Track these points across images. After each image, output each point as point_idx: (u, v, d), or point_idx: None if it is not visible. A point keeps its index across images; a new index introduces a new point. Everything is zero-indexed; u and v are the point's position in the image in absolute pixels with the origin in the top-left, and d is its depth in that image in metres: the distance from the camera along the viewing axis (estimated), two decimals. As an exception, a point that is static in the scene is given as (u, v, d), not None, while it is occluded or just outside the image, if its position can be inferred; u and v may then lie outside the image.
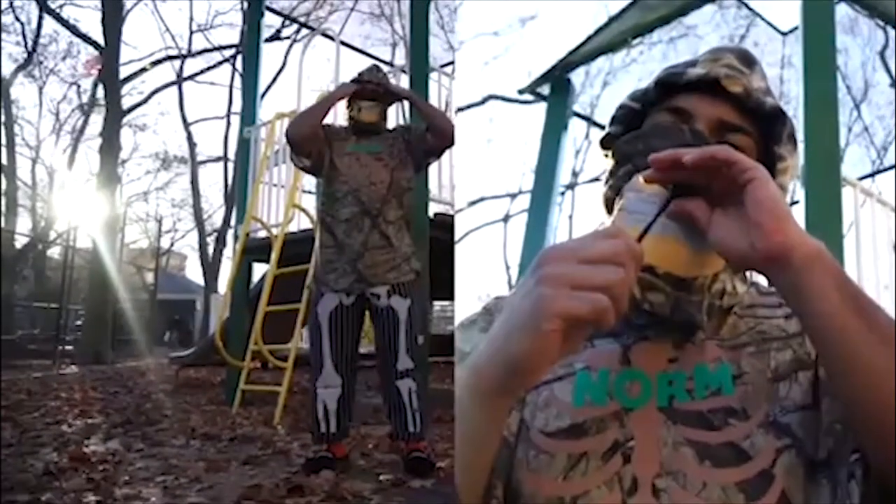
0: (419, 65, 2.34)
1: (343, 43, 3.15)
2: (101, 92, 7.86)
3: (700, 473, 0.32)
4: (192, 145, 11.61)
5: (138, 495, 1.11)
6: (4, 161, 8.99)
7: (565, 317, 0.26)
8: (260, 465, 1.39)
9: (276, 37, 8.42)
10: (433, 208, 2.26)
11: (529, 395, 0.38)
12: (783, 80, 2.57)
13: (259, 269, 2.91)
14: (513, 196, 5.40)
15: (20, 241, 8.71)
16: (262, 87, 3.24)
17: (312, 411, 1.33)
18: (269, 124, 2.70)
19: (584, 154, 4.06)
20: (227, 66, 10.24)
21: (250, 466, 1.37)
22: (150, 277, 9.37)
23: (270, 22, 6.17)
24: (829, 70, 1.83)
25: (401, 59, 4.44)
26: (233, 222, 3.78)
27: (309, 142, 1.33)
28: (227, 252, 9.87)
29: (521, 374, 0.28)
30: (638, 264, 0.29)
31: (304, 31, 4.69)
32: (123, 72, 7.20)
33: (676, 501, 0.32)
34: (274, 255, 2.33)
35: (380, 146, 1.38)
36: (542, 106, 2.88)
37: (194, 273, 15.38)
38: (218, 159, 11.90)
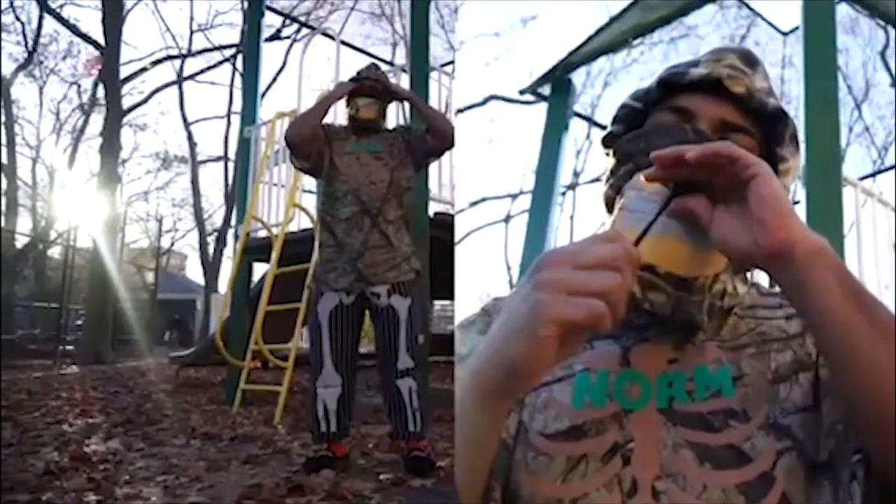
0: (419, 64, 2.34)
1: (343, 42, 3.15)
2: (101, 92, 7.86)
3: (700, 475, 0.32)
4: (192, 145, 11.62)
5: (139, 495, 1.11)
6: (5, 161, 8.99)
7: (562, 322, 0.26)
8: (260, 464, 1.39)
9: (276, 36, 8.42)
10: (433, 208, 2.25)
11: (528, 397, 0.38)
12: (784, 80, 2.57)
13: (259, 269, 2.92)
14: (514, 196, 5.41)
15: (20, 241, 8.72)
16: (262, 87, 3.24)
17: (312, 411, 1.33)
18: (269, 124, 2.70)
19: (586, 154, 4.07)
20: (227, 66, 10.26)
21: (251, 466, 1.37)
22: (150, 277, 9.38)
23: (271, 21, 6.17)
24: (829, 70, 1.82)
25: (401, 58, 4.44)
26: (233, 222, 3.78)
27: (309, 144, 1.34)
28: (228, 252, 9.88)
29: (518, 379, 0.28)
30: (635, 269, 0.29)
31: (305, 31, 4.69)
32: (124, 71, 7.21)
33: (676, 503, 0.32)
34: (274, 255, 2.33)
35: (380, 145, 1.38)
36: (543, 106, 2.88)
37: (195, 273, 15.39)
38: (218, 159, 11.92)
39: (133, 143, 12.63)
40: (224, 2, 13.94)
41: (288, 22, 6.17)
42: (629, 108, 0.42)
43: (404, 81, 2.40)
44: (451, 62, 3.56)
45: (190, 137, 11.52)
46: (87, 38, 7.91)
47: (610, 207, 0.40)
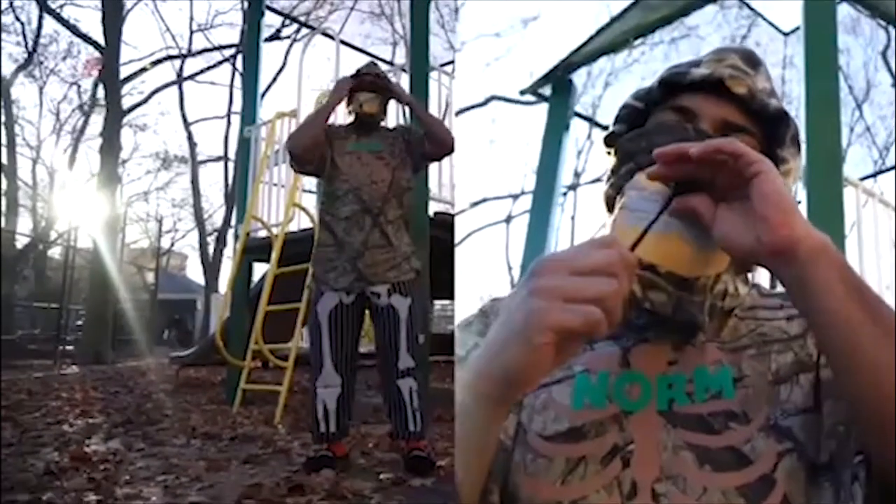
0: (419, 64, 2.34)
1: (343, 42, 3.14)
2: (101, 92, 7.87)
3: (700, 478, 0.32)
4: (192, 145, 11.62)
5: (139, 494, 1.11)
6: (5, 161, 9.00)
7: (558, 330, 0.26)
8: (260, 464, 1.39)
9: (276, 36, 8.42)
10: (433, 207, 2.25)
11: (527, 398, 0.38)
12: (785, 80, 2.56)
13: (259, 269, 2.91)
14: (515, 197, 5.41)
15: (21, 241, 8.72)
16: (262, 87, 3.24)
17: (312, 411, 1.33)
18: (269, 124, 2.70)
19: (587, 155, 4.07)
20: (227, 66, 10.25)
21: (251, 465, 1.37)
22: (150, 277, 9.38)
23: (270, 21, 6.17)
24: (830, 70, 1.82)
25: (401, 58, 4.45)
26: (233, 222, 3.78)
27: (311, 154, 1.34)
28: (228, 252, 9.89)
29: (515, 385, 0.28)
30: (632, 274, 0.28)
31: (305, 31, 4.70)
32: (124, 72, 7.20)
33: None
34: (274, 255, 2.33)
35: (381, 144, 1.38)
36: (544, 107, 2.87)
37: (195, 273, 15.39)
38: (218, 159, 11.92)
39: (133, 143, 12.67)
40: (224, 2, 13.97)
41: (288, 22, 6.18)
42: (631, 108, 0.42)
43: (404, 81, 2.40)
44: (451, 62, 3.56)
45: (190, 137, 11.53)
46: (86, 39, 7.91)
47: (611, 207, 0.40)
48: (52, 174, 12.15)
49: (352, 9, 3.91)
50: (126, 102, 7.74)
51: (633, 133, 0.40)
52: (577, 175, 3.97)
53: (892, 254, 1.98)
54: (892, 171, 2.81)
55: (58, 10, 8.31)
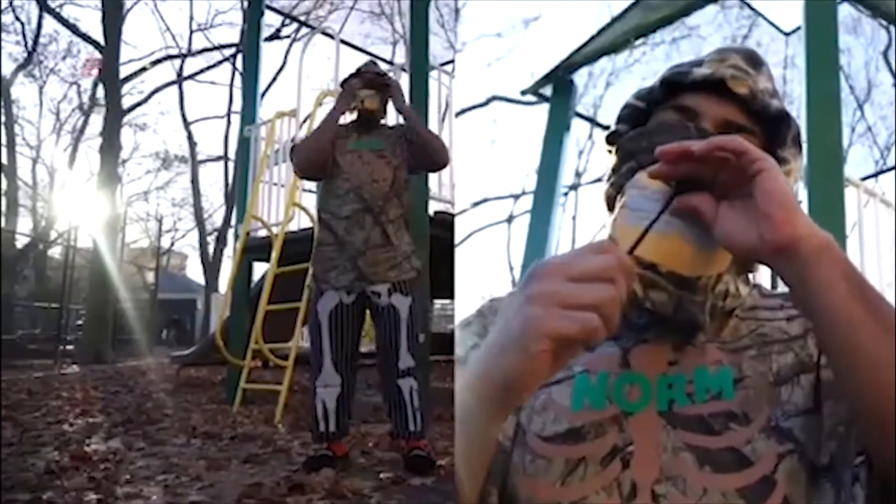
0: (419, 63, 2.34)
1: (343, 41, 3.14)
2: (101, 91, 7.86)
3: (700, 479, 0.32)
4: (192, 144, 11.62)
5: (139, 494, 1.11)
6: (5, 161, 9.00)
7: (555, 337, 0.26)
8: (260, 463, 1.38)
9: (276, 36, 8.41)
10: (433, 206, 2.25)
11: None
12: (786, 80, 2.56)
13: (259, 268, 2.91)
14: (516, 197, 5.41)
15: (21, 241, 8.73)
16: (262, 86, 3.24)
17: (312, 410, 1.33)
18: (269, 123, 2.70)
19: (588, 155, 4.07)
20: (227, 66, 10.26)
21: (251, 465, 1.37)
22: (150, 277, 9.38)
23: (270, 21, 6.18)
24: (831, 70, 1.82)
25: (401, 57, 4.44)
26: (233, 221, 3.78)
27: (318, 166, 1.34)
28: (228, 251, 9.89)
29: (513, 392, 0.27)
30: (630, 279, 0.28)
31: (304, 30, 4.70)
32: (123, 71, 7.21)
33: None
34: (274, 254, 2.33)
35: (382, 143, 1.38)
36: (545, 107, 2.87)
37: (195, 272, 15.39)
38: (218, 158, 11.92)
39: (133, 142, 12.66)
40: (224, 1, 13.97)
41: (288, 21, 6.17)
42: (632, 108, 0.42)
43: (404, 80, 2.40)
44: (451, 61, 3.56)
45: (190, 137, 11.53)
46: (86, 38, 7.91)
47: (611, 206, 0.40)
48: (52, 174, 12.19)
49: (352, 8, 3.90)
50: (126, 102, 7.75)
51: (635, 132, 0.40)
52: (578, 175, 3.98)
53: (892, 253, 1.98)
54: (893, 171, 2.81)
55: (57, 10, 8.32)
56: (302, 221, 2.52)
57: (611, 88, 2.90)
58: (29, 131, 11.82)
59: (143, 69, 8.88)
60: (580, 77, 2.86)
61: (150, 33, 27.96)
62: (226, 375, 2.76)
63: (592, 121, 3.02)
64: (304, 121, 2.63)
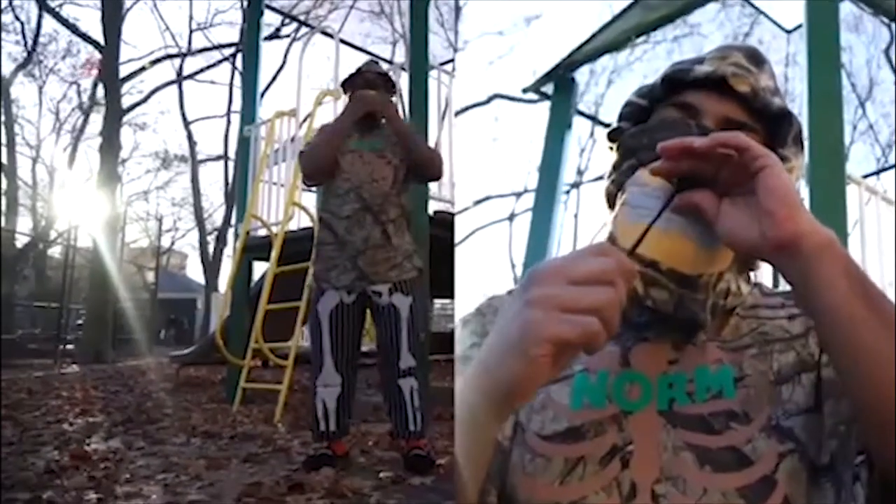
0: (419, 63, 2.33)
1: (343, 41, 3.14)
2: (100, 91, 7.87)
3: (700, 479, 0.32)
4: (192, 144, 11.62)
5: (139, 493, 1.11)
6: (5, 160, 9.00)
7: (555, 342, 0.26)
8: (260, 462, 1.38)
9: (275, 35, 8.41)
10: (433, 206, 2.25)
11: None
12: (787, 77, 2.56)
13: (259, 268, 2.91)
14: (518, 195, 5.41)
15: (21, 241, 8.73)
16: (262, 86, 3.23)
17: (312, 410, 1.33)
18: (269, 123, 2.69)
19: (590, 153, 4.07)
20: (226, 65, 10.25)
21: (251, 464, 1.37)
22: (150, 276, 9.38)
23: (270, 20, 6.17)
24: (833, 68, 1.81)
25: (400, 56, 4.43)
26: (233, 221, 3.78)
27: (325, 174, 1.34)
28: (228, 251, 9.89)
29: (512, 396, 0.27)
30: (629, 281, 0.28)
31: (304, 30, 4.69)
32: (123, 71, 7.20)
33: None
34: (274, 254, 2.33)
35: (382, 143, 1.37)
36: (547, 105, 2.86)
37: (195, 272, 15.40)
38: (218, 158, 11.92)
39: (133, 142, 12.68)
40: (223, 1, 13.93)
41: (287, 20, 6.16)
42: (634, 105, 0.42)
43: (404, 80, 2.39)
44: (451, 60, 3.55)
45: (190, 136, 11.53)
46: (86, 38, 7.91)
47: (612, 203, 0.40)
48: (52, 173, 12.19)
49: (351, 7, 3.89)
50: (126, 101, 7.76)
51: (636, 129, 0.40)
52: (580, 173, 3.98)
53: (894, 251, 1.97)
54: (895, 169, 2.80)
55: (57, 9, 8.31)
56: (302, 221, 2.51)
57: (612, 86, 2.89)
58: (29, 131, 11.86)
59: (143, 69, 8.88)
60: (582, 75, 2.85)
61: (150, 33, 28.04)
62: (226, 375, 2.76)
63: (594, 119, 3.01)
64: (304, 120, 2.63)
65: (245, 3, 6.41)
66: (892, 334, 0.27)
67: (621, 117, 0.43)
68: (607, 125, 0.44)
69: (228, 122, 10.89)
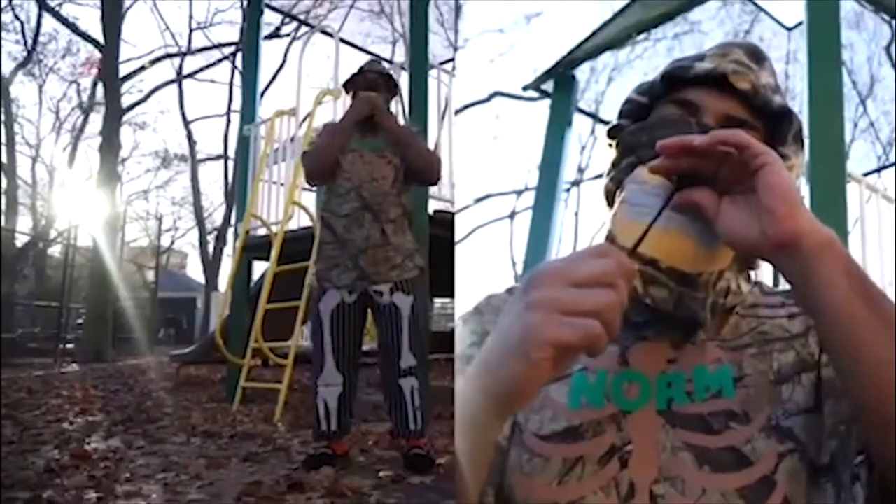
0: (419, 62, 2.33)
1: (342, 40, 3.13)
2: (100, 90, 7.87)
3: (699, 479, 0.32)
4: (192, 143, 11.62)
5: (139, 492, 1.11)
6: (4, 160, 9.02)
7: (556, 345, 0.26)
8: (260, 461, 1.38)
9: (275, 34, 8.40)
10: (432, 205, 2.24)
11: None
12: (788, 75, 2.55)
13: (259, 267, 2.91)
14: (518, 193, 5.40)
15: (21, 240, 8.74)
16: (261, 85, 3.23)
17: (314, 409, 1.33)
18: (268, 122, 2.69)
19: (590, 151, 4.06)
20: (226, 64, 10.25)
21: (250, 463, 1.37)
22: (150, 275, 9.38)
23: (270, 19, 6.16)
24: (834, 65, 1.81)
25: (400, 56, 4.43)
26: (233, 220, 3.78)
27: (328, 174, 1.34)
28: (228, 250, 9.90)
29: (512, 399, 0.27)
30: (630, 282, 0.28)
31: (304, 29, 4.69)
32: (123, 70, 7.19)
33: None
34: (274, 253, 2.33)
35: (382, 143, 1.37)
36: (548, 102, 2.86)
37: (195, 271, 15.37)
38: (218, 157, 11.92)
39: (133, 141, 12.69)
40: (223, 0, 13.91)
41: (287, 20, 6.16)
42: (634, 102, 0.42)
43: (403, 79, 2.39)
44: (451, 60, 3.55)
45: (189, 136, 11.53)
46: (86, 37, 7.90)
47: (611, 201, 0.40)
48: (52, 172, 12.20)
49: (351, 7, 3.89)
50: (126, 101, 7.76)
51: (635, 126, 0.40)
52: (580, 171, 3.97)
53: (894, 250, 1.97)
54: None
55: (57, 9, 8.30)
56: (301, 220, 2.51)
57: (613, 84, 2.89)
58: (28, 130, 11.86)
59: (143, 68, 8.87)
60: (582, 73, 2.85)
61: (150, 32, 27.93)
62: (225, 374, 2.76)
63: (594, 116, 3.00)
64: (304, 119, 2.63)
65: (245, 3, 6.41)
66: (893, 334, 0.27)
67: (621, 114, 0.42)
68: (608, 123, 0.44)
69: (228, 121, 10.90)
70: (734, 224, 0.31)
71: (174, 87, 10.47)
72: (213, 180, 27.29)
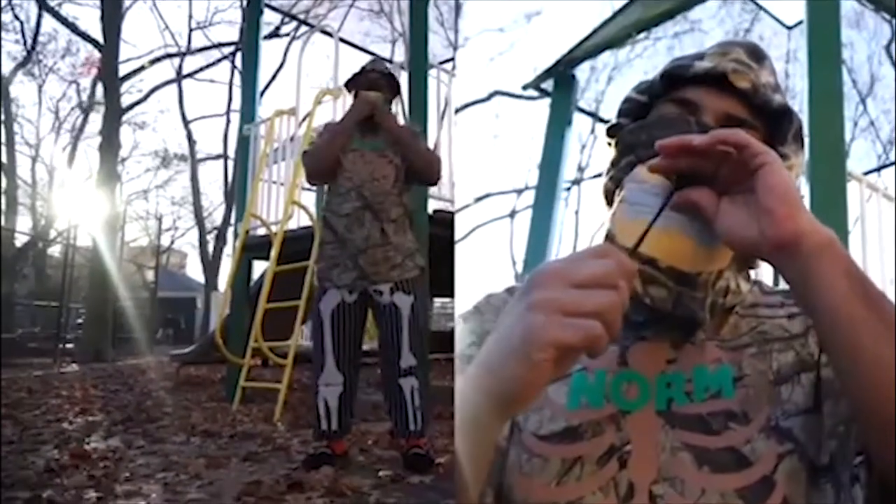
0: (418, 62, 2.33)
1: (342, 40, 3.13)
2: (100, 90, 7.87)
3: (698, 479, 0.32)
4: (191, 143, 11.62)
5: (139, 492, 1.11)
6: (4, 159, 9.02)
7: (557, 346, 0.26)
8: (260, 461, 1.39)
9: (275, 34, 8.39)
10: (432, 205, 2.24)
11: None
12: (788, 74, 2.55)
13: (259, 267, 2.91)
14: (519, 192, 5.40)
15: (20, 240, 8.75)
16: (261, 85, 3.22)
17: (314, 409, 1.33)
18: (268, 122, 2.69)
19: (590, 150, 4.05)
20: (226, 64, 10.25)
21: (250, 463, 1.37)
22: (150, 275, 9.37)
23: (269, 19, 6.15)
24: (834, 64, 1.81)
25: (400, 55, 4.42)
26: (233, 220, 3.77)
27: (329, 174, 1.34)
28: (228, 250, 9.90)
29: (513, 401, 0.27)
30: (631, 283, 0.28)
31: (304, 28, 4.68)
32: (123, 69, 7.18)
33: None
34: (273, 253, 2.33)
35: (383, 143, 1.37)
36: (548, 101, 2.86)
37: (195, 271, 15.38)
38: (218, 157, 11.92)
39: (132, 141, 12.67)
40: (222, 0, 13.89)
41: (287, 19, 6.15)
42: (633, 101, 0.42)
43: (403, 79, 2.38)
44: (451, 59, 3.54)
45: (189, 135, 11.53)
46: (85, 37, 7.89)
47: (610, 200, 0.40)
48: (52, 172, 12.20)
49: (351, 6, 3.88)
50: (125, 100, 7.76)
51: (634, 125, 0.40)
52: (580, 170, 3.97)
53: (895, 249, 1.97)
54: None
55: (56, 8, 8.29)
56: (301, 220, 2.51)
57: (613, 83, 2.88)
58: (28, 130, 11.86)
59: (143, 67, 8.86)
60: (582, 72, 2.84)
61: (150, 32, 27.81)
62: (225, 374, 2.76)
63: (594, 115, 3.00)
64: (304, 119, 2.62)
65: (244, 2, 6.39)
66: (892, 335, 0.27)
67: (620, 113, 0.42)
68: (608, 122, 0.44)
69: (228, 120, 10.89)
70: (733, 224, 0.31)
71: (174, 86, 10.47)
72: (213, 180, 27.29)
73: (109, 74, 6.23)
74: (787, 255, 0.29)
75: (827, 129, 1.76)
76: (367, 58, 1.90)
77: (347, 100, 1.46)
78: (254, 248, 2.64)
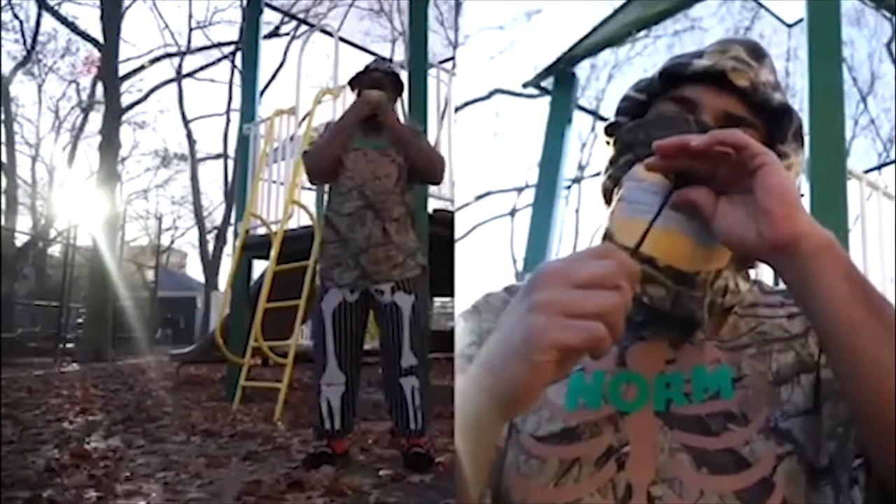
0: (418, 61, 2.32)
1: (342, 39, 3.12)
2: (100, 89, 7.87)
3: (697, 481, 0.31)
4: (191, 142, 11.62)
5: (139, 491, 1.11)
6: (4, 159, 9.02)
7: (559, 347, 0.25)
8: (260, 460, 1.39)
9: (275, 33, 8.39)
10: (432, 204, 2.24)
11: None
12: (788, 72, 2.54)
13: (259, 266, 2.91)
14: (519, 190, 5.40)
15: (20, 240, 8.75)
16: (261, 84, 3.22)
17: (316, 408, 1.33)
18: (268, 121, 2.69)
19: (591, 148, 4.06)
20: (226, 63, 10.24)
21: (250, 462, 1.37)
22: (150, 275, 9.37)
23: (269, 18, 6.16)
24: (834, 62, 1.80)
25: (400, 54, 4.42)
26: (233, 219, 3.78)
27: (330, 173, 1.33)
28: (228, 249, 9.91)
29: (514, 402, 0.27)
30: (633, 283, 0.27)
31: (303, 28, 4.68)
32: (123, 69, 7.18)
33: None
34: (273, 252, 2.33)
35: (385, 142, 1.37)
36: (548, 100, 2.85)
37: (195, 270, 15.39)
38: (218, 156, 11.92)
39: (132, 140, 12.68)
40: (222, -1, 13.85)
41: (286, 19, 6.14)
42: (632, 100, 0.41)
43: (403, 78, 2.37)
44: (451, 59, 3.54)
45: (189, 135, 11.53)
46: (85, 36, 7.89)
47: (608, 199, 0.39)
48: (52, 172, 12.20)
49: (350, 5, 3.88)
50: (125, 100, 7.75)
51: (633, 124, 0.39)
52: (581, 168, 3.97)
53: (895, 247, 1.97)
54: (896, 165, 2.79)
55: (56, 8, 8.28)
56: (301, 219, 2.51)
57: (613, 81, 2.89)
58: (28, 129, 11.87)
59: (142, 67, 8.86)
60: (582, 70, 2.84)
61: (149, 31, 27.87)
62: (225, 373, 2.76)
63: (594, 114, 3.00)
64: (304, 119, 2.62)
65: (244, 2, 6.39)
66: (892, 338, 0.27)
67: (619, 112, 0.42)
68: (608, 120, 0.43)
69: (228, 120, 10.89)
70: (731, 224, 0.31)
71: (174, 86, 10.47)
72: (213, 179, 27.35)
73: (109, 74, 6.22)
74: (786, 256, 0.29)
75: (827, 128, 1.75)
76: (366, 57, 1.90)
77: (347, 99, 1.45)
78: (254, 247, 2.64)
